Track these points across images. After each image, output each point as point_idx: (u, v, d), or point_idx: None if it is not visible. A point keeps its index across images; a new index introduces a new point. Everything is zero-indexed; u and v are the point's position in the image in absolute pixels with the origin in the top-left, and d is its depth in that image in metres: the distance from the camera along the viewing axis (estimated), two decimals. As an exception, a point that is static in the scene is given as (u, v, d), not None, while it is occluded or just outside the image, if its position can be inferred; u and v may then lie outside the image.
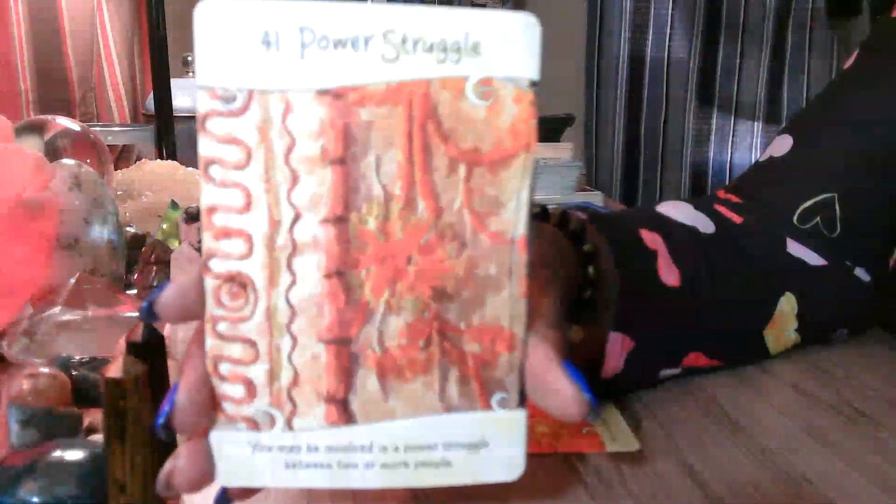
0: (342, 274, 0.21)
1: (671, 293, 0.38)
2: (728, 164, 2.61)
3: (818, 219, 0.43)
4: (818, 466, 0.32)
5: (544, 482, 0.31)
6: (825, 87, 0.50)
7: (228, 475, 0.22)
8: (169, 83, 1.20)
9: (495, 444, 0.23)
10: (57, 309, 0.44)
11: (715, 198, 0.47)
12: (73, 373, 0.38)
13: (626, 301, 0.36)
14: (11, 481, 0.27)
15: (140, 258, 0.53)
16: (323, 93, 0.20)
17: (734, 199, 0.46)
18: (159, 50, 1.17)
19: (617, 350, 0.36)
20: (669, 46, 2.56)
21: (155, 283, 0.51)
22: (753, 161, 2.41)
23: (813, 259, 0.44)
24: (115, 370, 0.27)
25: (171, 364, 0.34)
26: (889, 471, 0.32)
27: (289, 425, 0.22)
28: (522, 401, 0.23)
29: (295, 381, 0.22)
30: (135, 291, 0.52)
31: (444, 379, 0.22)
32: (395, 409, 0.22)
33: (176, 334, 0.42)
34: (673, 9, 2.55)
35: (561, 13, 2.53)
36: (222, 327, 0.21)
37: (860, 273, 0.45)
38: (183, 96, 1.49)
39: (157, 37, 1.17)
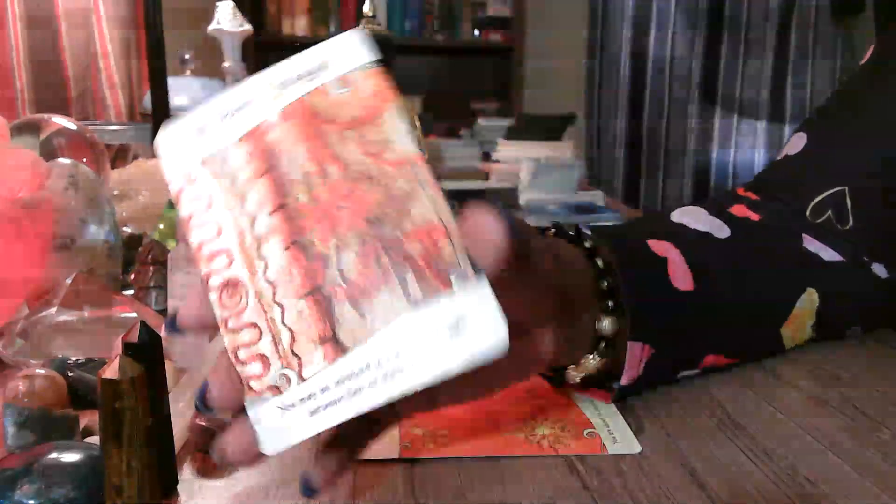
0: (296, 242, 0.27)
1: (686, 298, 0.38)
2: (731, 163, 2.60)
3: (829, 212, 0.44)
4: (820, 468, 0.32)
5: (545, 484, 0.31)
6: (841, 85, 0.50)
7: (269, 442, 0.26)
8: (166, 82, 1.20)
9: (472, 318, 0.25)
10: (53, 310, 0.44)
11: (733, 196, 0.47)
12: (70, 374, 0.38)
13: (640, 309, 0.36)
14: (7, 483, 0.27)
15: (137, 258, 0.53)
16: (242, 138, 0.28)
17: (752, 196, 0.47)
18: (156, 49, 1.17)
19: (636, 358, 0.36)
20: (671, 45, 2.56)
21: (152, 284, 0.50)
22: (756, 160, 2.40)
23: (828, 255, 0.44)
24: (111, 371, 0.26)
25: (168, 366, 0.34)
26: (891, 472, 0.32)
27: (300, 378, 0.26)
28: (478, 270, 0.25)
29: (293, 338, 0.26)
30: (131, 292, 0.51)
31: (403, 282, 0.26)
32: (373, 323, 0.26)
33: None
34: (675, 7, 2.54)
35: (561, 12, 2.53)
36: (231, 323, 0.26)
37: (877, 269, 0.45)
38: (180, 95, 1.49)
39: (154, 35, 1.17)
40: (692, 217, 0.43)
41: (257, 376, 0.26)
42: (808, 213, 0.44)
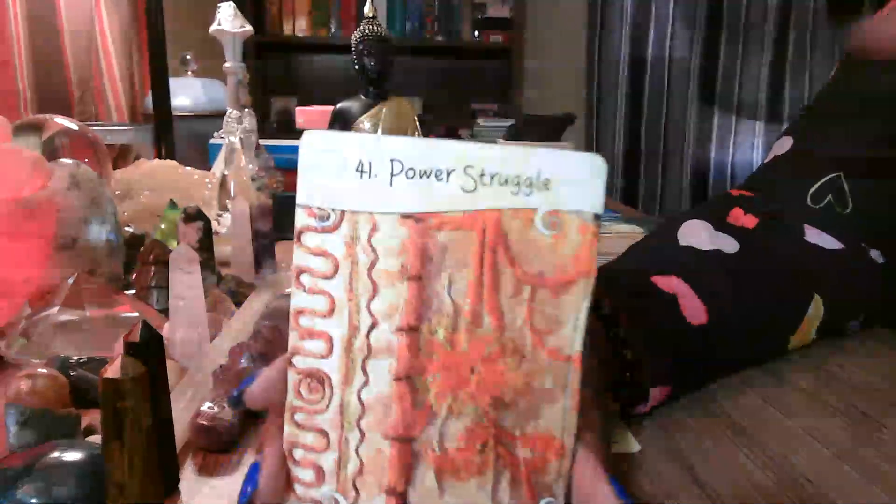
0: (410, 378, 0.24)
1: (700, 332, 0.38)
2: (729, 164, 2.61)
3: (830, 196, 0.44)
4: (820, 467, 0.32)
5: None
6: (815, 97, 0.52)
7: None
8: (167, 82, 1.20)
9: None
10: (55, 309, 0.44)
11: (729, 198, 0.47)
12: (72, 373, 0.38)
13: (656, 359, 0.36)
14: (9, 482, 0.27)
15: (138, 258, 0.53)
16: (406, 216, 0.23)
17: (747, 194, 0.47)
18: (158, 49, 1.17)
19: (655, 399, 0.36)
20: (670, 46, 2.56)
21: (153, 284, 0.50)
22: (754, 160, 2.39)
23: (830, 243, 0.44)
24: (113, 371, 0.27)
25: (169, 365, 0.34)
26: (891, 472, 0.32)
27: None
28: None
29: (360, 471, 0.24)
30: (133, 291, 0.51)
31: (496, 481, 0.24)
32: None
33: (174, 335, 0.42)
34: (674, 8, 2.55)
35: (561, 12, 2.53)
36: (300, 417, 0.24)
37: (875, 255, 0.45)
38: (181, 95, 1.49)
39: (156, 36, 1.17)
40: (698, 237, 0.43)
41: (306, 483, 0.24)
42: (808, 199, 0.45)
